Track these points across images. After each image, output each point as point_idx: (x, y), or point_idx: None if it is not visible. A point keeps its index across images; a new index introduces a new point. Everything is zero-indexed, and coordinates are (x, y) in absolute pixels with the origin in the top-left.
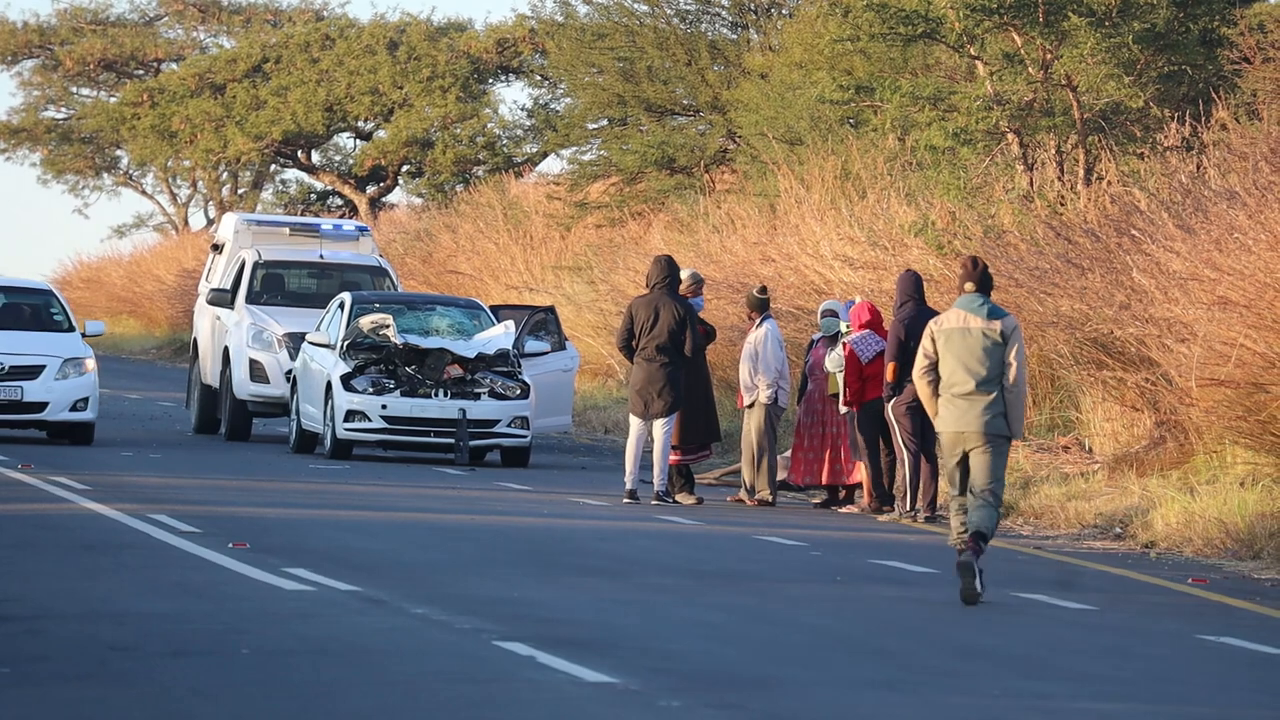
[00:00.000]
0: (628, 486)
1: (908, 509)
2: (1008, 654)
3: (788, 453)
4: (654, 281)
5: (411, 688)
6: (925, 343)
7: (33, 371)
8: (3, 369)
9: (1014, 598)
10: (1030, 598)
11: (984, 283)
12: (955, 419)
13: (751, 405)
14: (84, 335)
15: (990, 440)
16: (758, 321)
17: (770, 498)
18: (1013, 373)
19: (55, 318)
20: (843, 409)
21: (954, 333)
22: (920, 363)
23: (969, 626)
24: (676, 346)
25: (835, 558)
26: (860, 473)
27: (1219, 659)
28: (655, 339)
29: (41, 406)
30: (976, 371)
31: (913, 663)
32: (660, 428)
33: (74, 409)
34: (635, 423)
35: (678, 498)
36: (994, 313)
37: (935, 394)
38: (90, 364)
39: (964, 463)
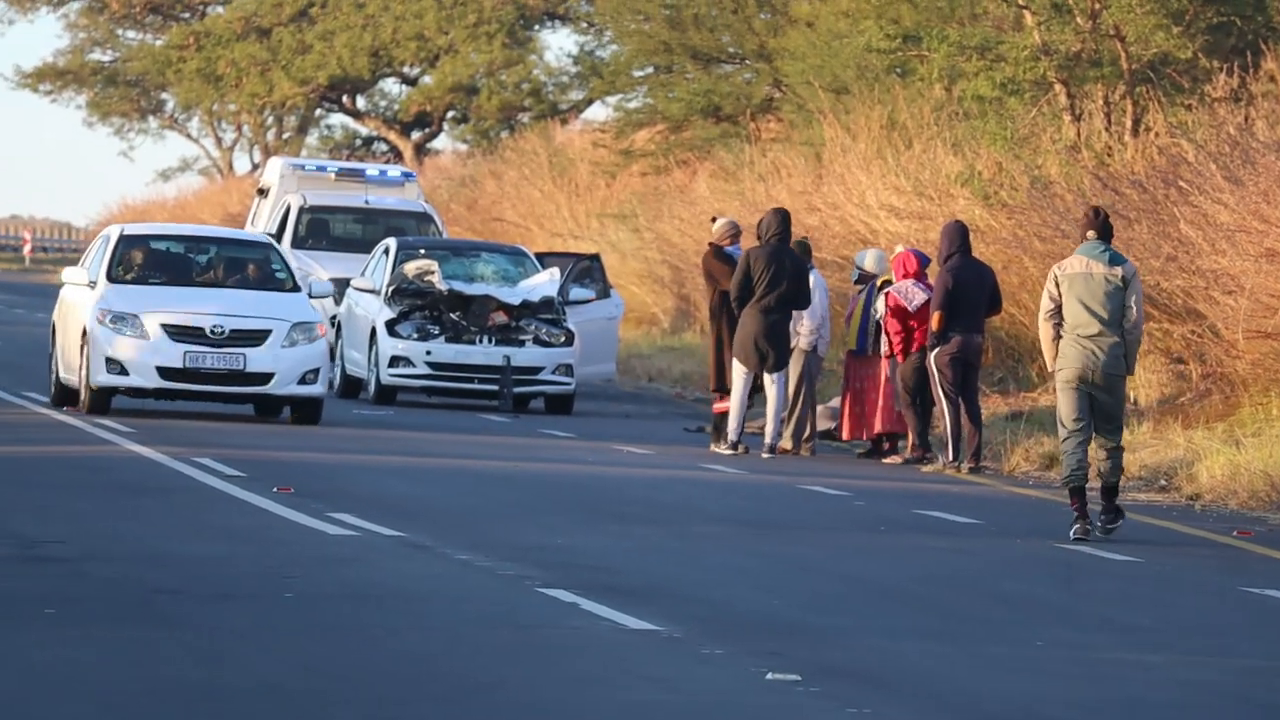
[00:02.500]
0: (731, 438)
1: (951, 460)
2: (1050, 604)
3: (833, 402)
4: (770, 234)
5: (453, 633)
6: (1049, 287)
7: (257, 337)
8: (222, 333)
9: (1057, 549)
10: (1073, 549)
11: (1105, 231)
12: (1080, 358)
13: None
14: (310, 296)
15: (1112, 379)
16: None
17: (790, 446)
18: (1133, 315)
19: (278, 275)
20: (885, 357)
21: (1077, 277)
22: (1045, 305)
23: (1011, 577)
24: (794, 300)
25: (879, 508)
26: (904, 423)
27: (1262, 611)
28: (776, 291)
29: (266, 378)
30: (1099, 314)
31: (955, 612)
32: (773, 382)
33: (303, 381)
34: (740, 372)
35: (714, 447)
36: (1115, 259)
37: (1056, 337)
38: (322, 329)
39: (1083, 396)
